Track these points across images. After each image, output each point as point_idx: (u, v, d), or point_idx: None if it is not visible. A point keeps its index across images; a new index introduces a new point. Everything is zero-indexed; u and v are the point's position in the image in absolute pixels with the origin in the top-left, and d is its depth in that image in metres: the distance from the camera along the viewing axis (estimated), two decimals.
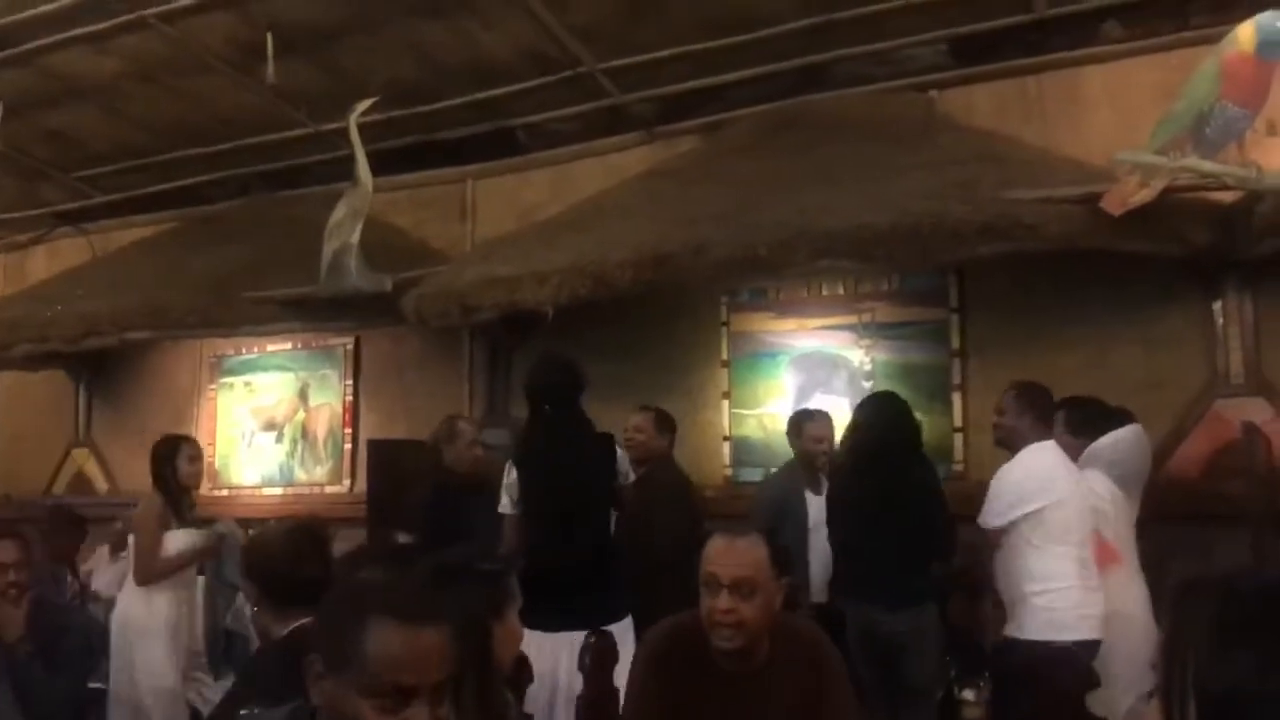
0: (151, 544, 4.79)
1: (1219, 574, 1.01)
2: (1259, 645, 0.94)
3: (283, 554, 2.74)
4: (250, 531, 4.78)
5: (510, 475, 4.14)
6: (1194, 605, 1.01)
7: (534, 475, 4.08)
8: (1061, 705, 2.54)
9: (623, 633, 3.61)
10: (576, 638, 3.55)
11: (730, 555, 2.61)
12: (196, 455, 5.12)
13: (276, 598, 2.69)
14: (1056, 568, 3.87)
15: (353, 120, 5.98)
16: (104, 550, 6.83)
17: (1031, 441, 4.03)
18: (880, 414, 4.46)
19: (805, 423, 4.95)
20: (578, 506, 4.02)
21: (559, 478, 4.06)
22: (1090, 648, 3.77)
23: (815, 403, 5.49)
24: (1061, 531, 3.89)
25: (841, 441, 4.64)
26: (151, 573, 4.77)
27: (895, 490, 4.24)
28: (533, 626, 3.60)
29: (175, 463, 4.95)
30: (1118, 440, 4.21)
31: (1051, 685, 2.53)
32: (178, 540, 4.83)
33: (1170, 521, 4.37)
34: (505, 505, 4.13)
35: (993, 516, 3.97)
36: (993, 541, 3.99)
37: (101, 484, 8.18)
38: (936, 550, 4.38)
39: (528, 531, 4.07)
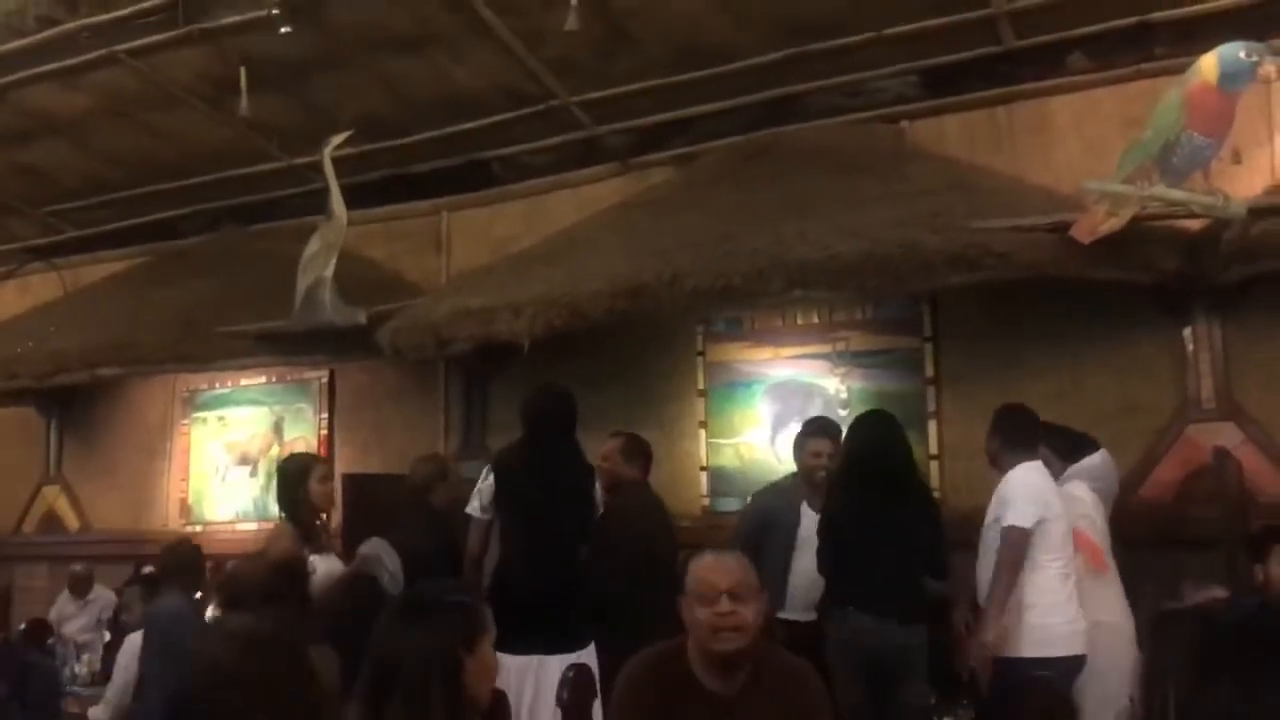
0: None
1: (1197, 605, 1.01)
2: (1238, 676, 0.94)
3: (261, 590, 2.72)
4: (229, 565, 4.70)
5: (486, 480, 4.15)
6: (1173, 637, 1.01)
7: (519, 495, 4.10)
8: None
9: (590, 661, 3.62)
10: (542, 661, 3.59)
11: (721, 565, 2.71)
12: (327, 475, 4.70)
13: None
14: (1048, 584, 3.93)
15: (327, 153, 5.98)
16: (65, 594, 6.77)
17: (1010, 462, 4.08)
18: (877, 428, 4.51)
19: (807, 439, 4.92)
20: (558, 534, 4.06)
21: (545, 504, 4.12)
22: (1078, 662, 3.83)
23: (790, 432, 5.48)
24: (1055, 546, 3.96)
25: (839, 458, 4.63)
26: None
27: (899, 503, 4.26)
28: (498, 649, 3.65)
29: (306, 484, 4.47)
30: (1096, 463, 4.31)
31: (1033, 712, 2.53)
32: (319, 568, 4.30)
33: (1143, 546, 4.41)
34: (474, 509, 4.15)
35: (1025, 517, 3.94)
36: (1020, 547, 3.93)
37: (73, 521, 8.09)
38: (936, 568, 4.39)
39: (501, 549, 4.09)
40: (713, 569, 2.69)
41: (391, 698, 2.03)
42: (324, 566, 4.16)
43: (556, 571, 4.01)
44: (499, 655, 3.63)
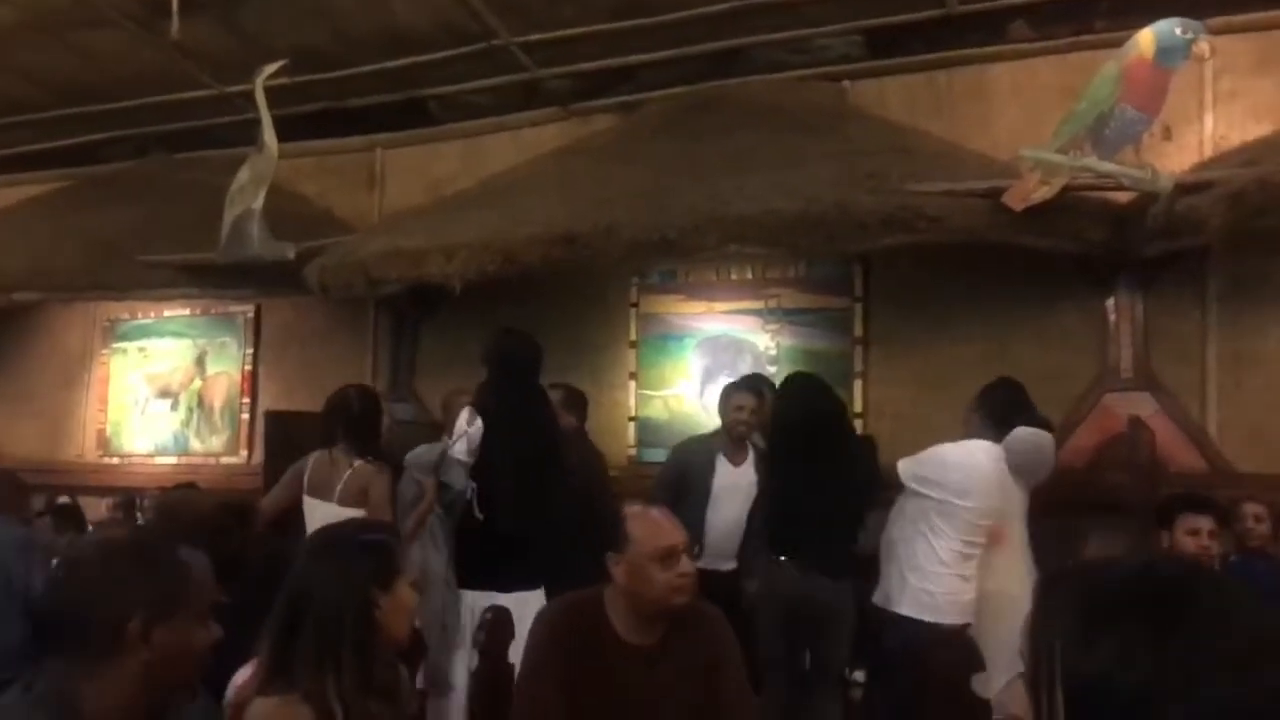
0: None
1: (1081, 564, 1.03)
2: (1121, 633, 0.96)
3: (208, 525, 2.68)
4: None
5: (474, 424, 4.11)
6: (1058, 595, 1.03)
7: (505, 441, 4.08)
8: (944, 686, 2.60)
9: (535, 601, 3.64)
10: (530, 597, 3.68)
11: (672, 523, 2.72)
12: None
13: None
14: (944, 556, 3.96)
15: (259, 83, 5.81)
16: None
17: (975, 436, 4.12)
18: (810, 384, 4.56)
19: (733, 392, 4.94)
20: (545, 477, 4.11)
21: (533, 448, 4.14)
22: (959, 632, 3.86)
23: (719, 386, 5.50)
24: (966, 529, 3.97)
25: (771, 417, 4.66)
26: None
27: (832, 458, 4.30)
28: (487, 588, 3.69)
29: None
30: (1023, 438, 4.27)
31: (935, 666, 2.59)
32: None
33: (1054, 511, 4.49)
34: (460, 452, 4.11)
35: (909, 476, 4.04)
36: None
37: None
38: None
39: (482, 489, 4.08)
40: (667, 529, 2.69)
41: (302, 632, 2.02)
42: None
43: (540, 513, 4.06)
44: (490, 593, 3.71)
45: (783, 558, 4.30)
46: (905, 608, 3.95)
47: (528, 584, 3.94)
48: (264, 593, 2.19)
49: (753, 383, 4.95)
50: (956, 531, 3.96)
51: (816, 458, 4.30)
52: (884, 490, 4.31)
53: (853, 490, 4.34)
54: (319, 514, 3.83)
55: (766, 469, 4.63)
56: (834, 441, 4.40)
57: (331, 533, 2.24)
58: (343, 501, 4.01)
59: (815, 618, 4.24)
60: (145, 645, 1.64)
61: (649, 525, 2.70)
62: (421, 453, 4.33)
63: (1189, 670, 0.93)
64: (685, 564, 2.63)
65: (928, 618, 3.88)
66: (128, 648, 1.63)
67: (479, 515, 4.05)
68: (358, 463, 4.09)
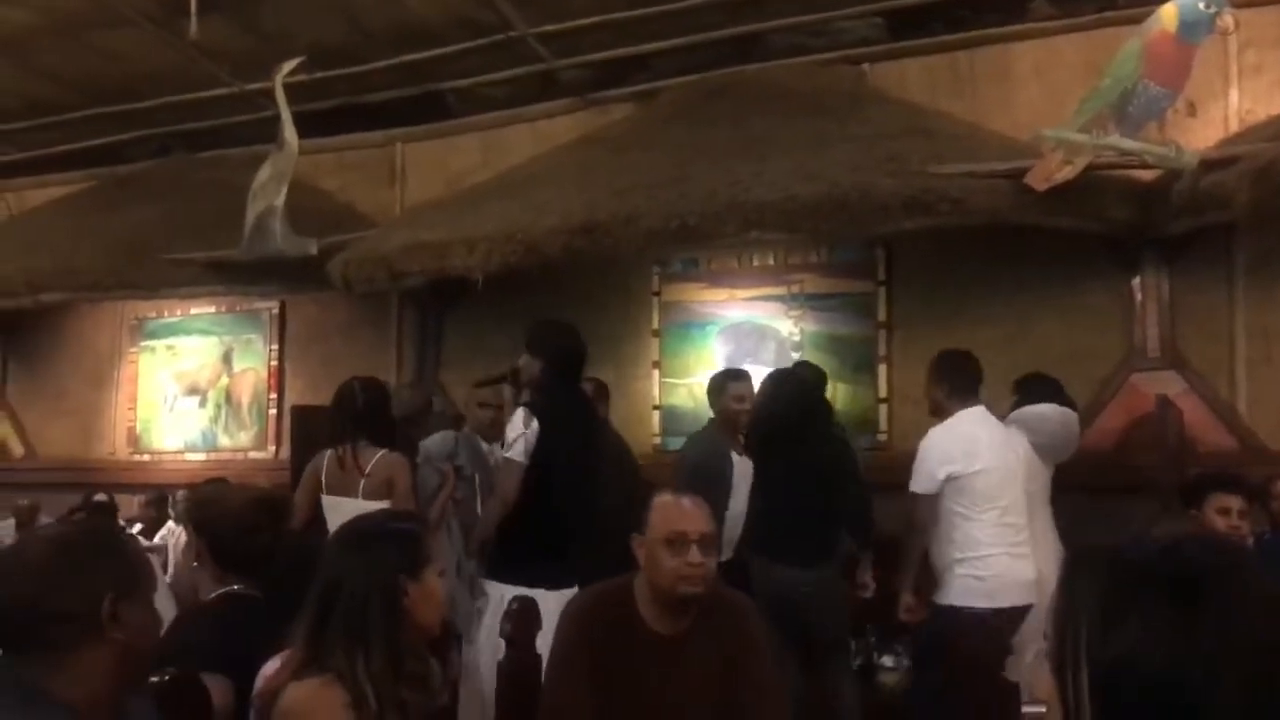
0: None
1: (1108, 543, 1.02)
2: (1146, 613, 0.95)
3: (241, 521, 2.70)
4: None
5: (530, 425, 4.07)
6: (1083, 575, 1.02)
7: (563, 441, 3.99)
8: (975, 671, 2.59)
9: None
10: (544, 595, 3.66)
11: (693, 512, 2.66)
12: (485, 402, 4.62)
13: (221, 560, 2.66)
14: (981, 535, 3.91)
15: (278, 80, 5.84)
16: (8, 524, 6.68)
17: (953, 409, 4.08)
18: (786, 387, 4.51)
19: (728, 383, 4.93)
20: (593, 473, 4.07)
21: (588, 447, 4.10)
22: (1016, 614, 3.80)
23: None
24: (986, 498, 3.93)
25: (753, 413, 4.65)
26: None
27: (807, 461, 4.29)
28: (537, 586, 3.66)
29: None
30: (1044, 413, 4.27)
31: (964, 651, 2.58)
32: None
33: (1084, 492, 4.46)
34: (518, 453, 4.01)
35: (921, 482, 3.98)
36: (923, 512, 3.97)
37: (17, 449, 7.98)
38: (854, 526, 4.44)
39: (539, 490, 3.99)
40: (684, 516, 2.64)
41: (333, 622, 2.04)
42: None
43: (590, 510, 4.01)
44: (541, 592, 3.69)
45: (761, 556, 4.32)
46: (953, 597, 3.92)
47: (571, 580, 3.82)
48: (292, 586, 2.21)
49: (745, 373, 4.91)
50: (984, 503, 3.93)
51: (793, 460, 4.29)
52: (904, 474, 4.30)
53: (828, 485, 4.31)
54: (342, 510, 3.79)
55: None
56: (811, 443, 4.36)
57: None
58: (368, 495, 3.99)
59: (798, 602, 4.22)
60: (116, 625, 1.65)
61: (665, 509, 2.67)
62: (437, 441, 4.32)
63: (1215, 651, 0.92)
64: (695, 554, 2.57)
65: (980, 604, 3.82)
66: (99, 631, 1.64)
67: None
68: (380, 454, 4.08)
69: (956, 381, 4.12)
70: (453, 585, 3.96)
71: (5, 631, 1.68)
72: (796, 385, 4.58)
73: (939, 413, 4.14)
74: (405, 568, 2.12)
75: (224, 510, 2.76)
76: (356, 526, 2.26)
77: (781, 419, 4.41)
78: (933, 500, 3.97)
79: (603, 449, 4.33)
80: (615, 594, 2.72)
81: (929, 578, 4.09)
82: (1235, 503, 3.77)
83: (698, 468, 4.83)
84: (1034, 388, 4.36)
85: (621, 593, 2.71)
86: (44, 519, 6.62)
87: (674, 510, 2.66)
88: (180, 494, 6.03)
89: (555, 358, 4.11)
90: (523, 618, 2.95)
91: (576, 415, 4.15)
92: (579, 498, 4.01)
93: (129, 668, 1.71)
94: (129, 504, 6.54)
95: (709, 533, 2.64)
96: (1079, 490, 4.40)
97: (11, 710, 1.61)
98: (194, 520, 2.82)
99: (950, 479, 3.94)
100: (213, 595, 2.62)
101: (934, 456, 3.99)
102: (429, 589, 2.16)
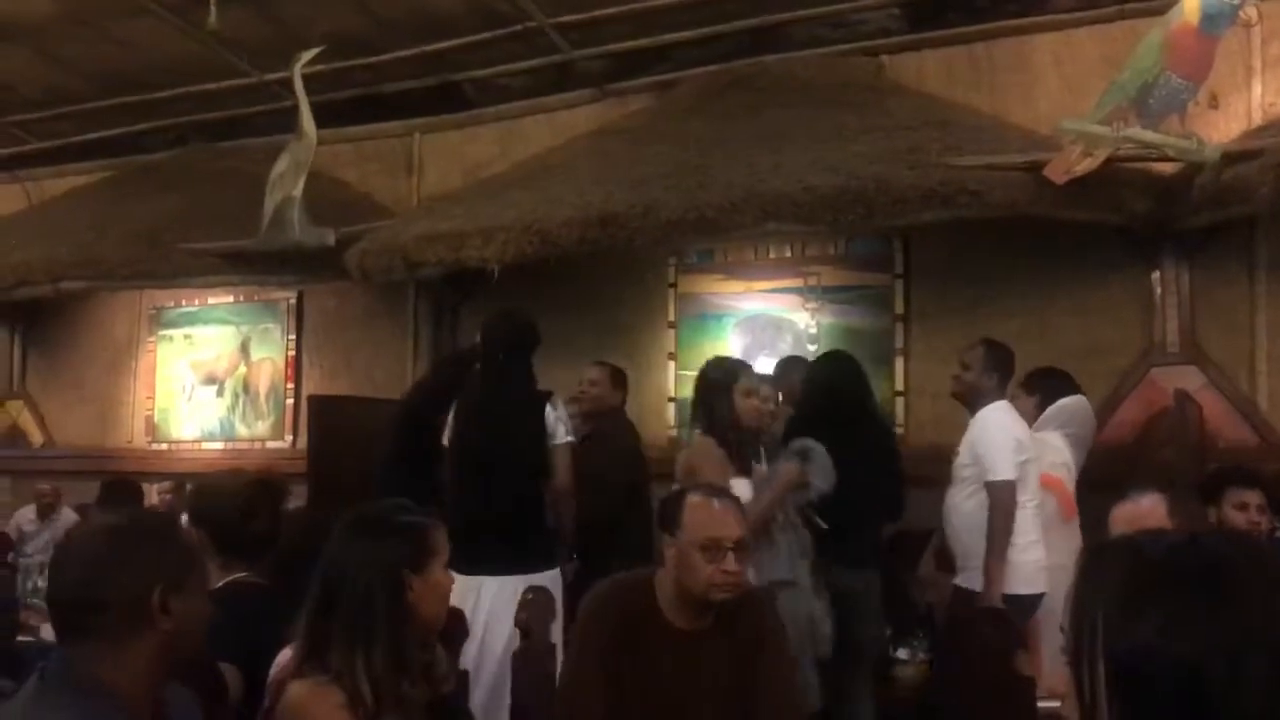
0: None
1: (1125, 537, 1.02)
2: (1164, 607, 0.95)
3: (237, 506, 2.70)
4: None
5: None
6: (1101, 568, 1.02)
7: (467, 416, 4.09)
8: (989, 663, 2.59)
9: (551, 585, 3.64)
10: (490, 583, 3.69)
11: (729, 517, 2.63)
12: (751, 389, 3.93)
13: (222, 548, 2.66)
14: (1024, 523, 3.94)
15: (297, 70, 5.85)
16: (29, 510, 6.74)
17: (992, 399, 4.07)
18: (839, 372, 4.49)
19: (793, 369, 4.90)
20: (503, 455, 4.06)
21: (489, 425, 4.11)
22: (1038, 600, 3.87)
23: (760, 365, 5.49)
24: (1030, 487, 3.98)
25: (798, 400, 4.62)
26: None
27: (859, 449, 4.18)
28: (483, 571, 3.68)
29: (731, 394, 3.85)
30: (1073, 407, 4.32)
31: (979, 643, 2.58)
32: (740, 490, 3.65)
33: (1103, 486, 4.42)
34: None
35: (1009, 469, 3.92)
36: (1008, 496, 3.90)
37: (36, 437, 8.03)
38: (892, 511, 4.44)
39: (452, 474, 4.10)
40: (720, 522, 2.61)
41: (336, 614, 2.04)
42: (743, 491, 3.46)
43: (508, 494, 4.01)
44: (480, 578, 3.71)
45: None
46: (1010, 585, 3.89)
47: (502, 569, 3.84)
48: (296, 571, 2.20)
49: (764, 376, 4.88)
50: (1028, 491, 3.97)
51: (839, 445, 4.23)
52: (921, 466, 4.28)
53: (878, 479, 4.26)
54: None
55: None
56: (859, 429, 4.31)
57: (365, 513, 2.24)
58: None
59: (842, 604, 4.18)
60: (166, 616, 1.67)
61: (702, 513, 2.63)
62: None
63: (1234, 644, 0.92)
64: (731, 561, 2.56)
65: (1019, 590, 3.83)
66: (150, 621, 1.66)
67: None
68: None
69: (1005, 373, 4.14)
70: None
71: (60, 620, 1.70)
72: (850, 363, 4.55)
73: (974, 399, 4.12)
74: (409, 561, 2.11)
75: (220, 498, 2.76)
76: (361, 517, 2.23)
77: (848, 396, 4.36)
78: (1014, 486, 3.93)
79: (539, 436, 4.20)
80: (636, 586, 2.71)
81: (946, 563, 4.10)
82: (1254, 498, 3.77)
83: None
84: (1055, 383, 4.38)
85: (642, 585, 2.70)
86: (64, 510, 6.70)
87: (709, 515, 2.62)
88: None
89: (482, 338, 4.31)
90: (537, 607, 2.96)
91: (491, 388, 4.19)
92: (500, 475, 4.02)
93: (175, 657, 1.72)
94: (148, 493, 6.57)
95: (744, 538, 2.62)
96: (1096, 485, 4.37)
97: (61, 695, 1.63)
98: (191, 512, 2.81)
99: (1020, 464, 3.95)
100: (218, 585, 2.61)
101: (1010, 444, 3.97)
102: (434, 583, 2.14)
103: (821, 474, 3.79)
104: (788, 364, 4.99)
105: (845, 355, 4.72)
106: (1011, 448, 3.96)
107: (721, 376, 3.90)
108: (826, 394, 4.41)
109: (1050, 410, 4.29)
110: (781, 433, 4.28)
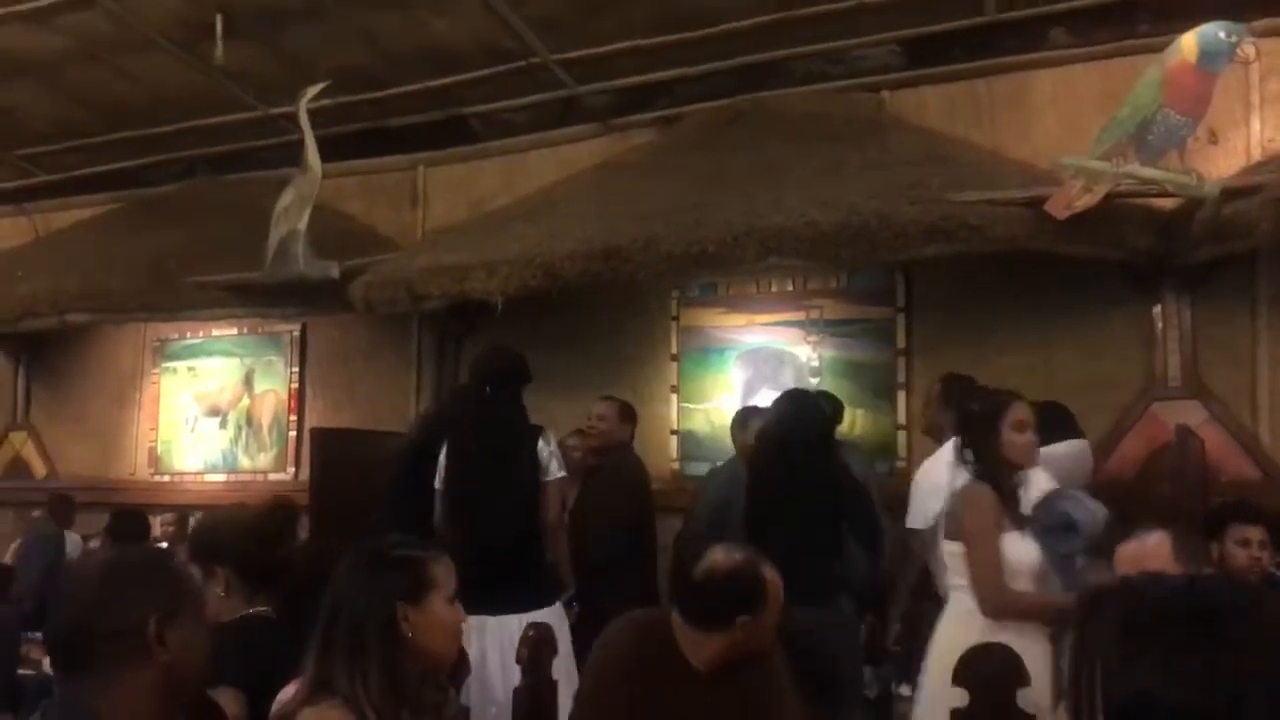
0: (994, 558, 3.21)
1: (1123, 582, 1.02)
2: (1162, 652, 0.95)
3: (263, 533, 2.70)
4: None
5: (552, 443, 4.20)
6: (1099, 614, 1.02)
7: (457, 453, 4.09)
8: (990, 700, 2.58)
9: (556, 621, 3.63)
10: (491, 623, 3.65)
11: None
12: (1025, 421, 3.40)
13: (251, 579, 2.65)
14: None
15: (303, 104, 5.90)
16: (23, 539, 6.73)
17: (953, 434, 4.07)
18: (786, 411, 4.46)
19: (751, 418, 4.96)
20: (496, 490, 4.03)
21: (478, 459, 4.09)
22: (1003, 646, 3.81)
23: (762, 399, 5.51)
24: None
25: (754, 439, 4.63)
26: (1004, 602, 3.21)
27: (800, 484, 4.19)
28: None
29: (999, 429, 3.35)
30: (1062, 452, 4.26)
31: (982, 680, 2.57)
32: (1020, 549, 3.26)
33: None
34: (554, 470, 4.17)
35: (915, 518, 4.02)
36: (913, 546, 4.01)
37: (39, 468, 8.03)
38: (870, 543, 4.41)
39: (446, 512, 4.08)
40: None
41: (335, 646, 2.04)
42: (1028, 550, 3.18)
43: (504, 530, 3.98)
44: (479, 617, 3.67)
45: None
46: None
47: (498, 607, 3.80)
48: (304, 602, 2.20)
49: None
50: None
51: (783, 485, 4.22)
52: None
53: (822, 516, 4.23)
54: None
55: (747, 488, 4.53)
56: (803, 468, 4.28)
57: (364, 546, 2.23)
58: None
59: (801, 640, 4.15)
60: (162, 648, 1.67)
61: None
62: None
63: (1231, 690, 0.92)
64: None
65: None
66: (147, 652, 1.66)
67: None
68: None
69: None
70: None
71: (59, 652, 1.71)
72: (785, 401, 4.52)
73: (937, 435, 4.16)
74: (405, 594, 2.09)
75: (240, 529, 2.75)
76: (361, 549, 2.22)
77: (770, 437, 4.36)
78: (928, 535, 3.98)
79: (523, 468, 4.18)
80: (653, 625, 2.71)
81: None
82: (1256, 534, 3.75)
83: (718, 504, 4.84)
84: (1043, 424, 4.35)
85: (659, 624, 2.70)
86: (68, 533, 6.69)
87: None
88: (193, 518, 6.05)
89: (471, 372, 4.36)
90: (539, 644, 2.95)
91: (480, 424, 4.18)
92: (488, 512, 4.00)
93: (175, 690, 1.72)
94: (151, 525, 6.56)
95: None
96: None
97: None
98: (210, 550, 2.75)
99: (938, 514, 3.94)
100: (239, 616, 2.61)
101: (927, 490, 4.01)
102: (434, 617, 2.12)
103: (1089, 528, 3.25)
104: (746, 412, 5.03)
105: (785, 397, 4.64)
106: (927, 494, 3.97)
107: (987, 409, 3.42)
108: (776, 443, 4.38)
109: (1042, 452, 4.24)
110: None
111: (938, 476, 3.95)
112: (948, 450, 3.92)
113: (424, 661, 2.11)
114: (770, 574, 2.68)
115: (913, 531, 4.04)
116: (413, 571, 2.14)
